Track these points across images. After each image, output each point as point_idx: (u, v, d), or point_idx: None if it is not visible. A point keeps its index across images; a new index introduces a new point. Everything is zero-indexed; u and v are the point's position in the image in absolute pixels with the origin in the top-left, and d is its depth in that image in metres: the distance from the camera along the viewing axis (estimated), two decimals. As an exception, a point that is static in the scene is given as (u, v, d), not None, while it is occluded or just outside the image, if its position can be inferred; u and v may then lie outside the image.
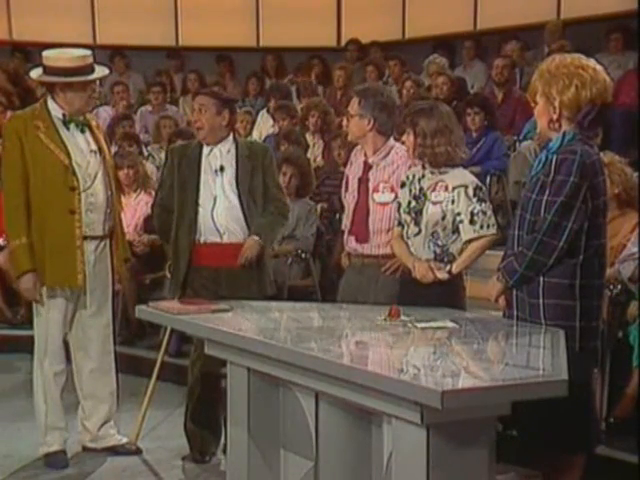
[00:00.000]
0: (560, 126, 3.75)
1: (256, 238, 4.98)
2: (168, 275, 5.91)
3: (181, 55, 12.52)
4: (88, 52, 5.00)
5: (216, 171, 5.02)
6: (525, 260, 3.70)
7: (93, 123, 5.09)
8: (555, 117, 3.74)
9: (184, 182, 5.02)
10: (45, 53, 4.95)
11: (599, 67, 3.78)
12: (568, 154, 3.66)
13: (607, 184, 3.87)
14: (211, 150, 5.05)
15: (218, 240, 4.99)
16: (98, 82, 5.08)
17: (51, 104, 4.92)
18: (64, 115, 4.91)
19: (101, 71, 5.04)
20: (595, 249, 3.73)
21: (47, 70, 4.92)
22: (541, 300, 3.71)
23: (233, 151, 5.07)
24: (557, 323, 3.66)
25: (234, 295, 4.69)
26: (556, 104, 3.72)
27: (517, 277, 3.75)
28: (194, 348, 5.02)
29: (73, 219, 4.85)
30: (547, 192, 3.66)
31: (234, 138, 5.13)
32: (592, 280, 3.72)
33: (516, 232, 3.81)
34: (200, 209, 4.98)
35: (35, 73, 5.01)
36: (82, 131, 4.97)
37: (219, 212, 4.98)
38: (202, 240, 5.00)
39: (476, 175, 4.84)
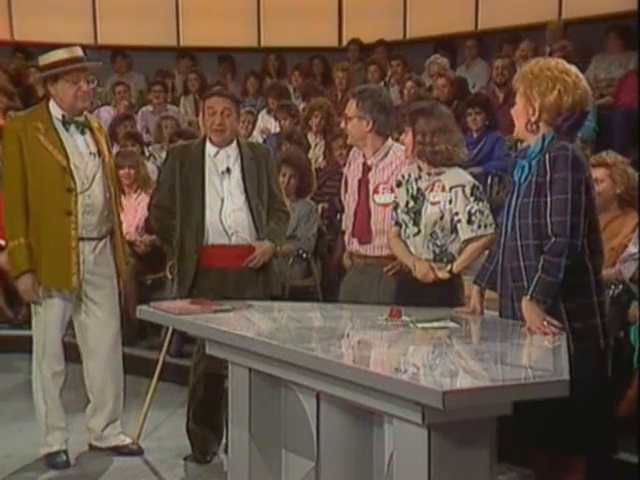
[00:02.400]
0: (537, 128, 3.72)
1: (272, 244, 5.03)
2: (169, 276, 5.91)
3: (183, 55, 12.52)
4: (77, 47, 5.03)
5: (222, 173, 5.02)
6: (561, 268, 3.55)
7: (95, 125, 5.10)
8: (534, 119, 3.72)
9: (188, 184, 5.01)
10: (40, 57, 5.02)
11: (580, 74, 3.76)
12: (561, 150, 3.62)
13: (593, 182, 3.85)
14: (217, 152, 5.04)
15: (226, 242, 4.99)
16: (96, 81, 5.10)
17: (52, 105, 4.94)
18: (63, 116, 4.92)
19: (92, 62, 5.08)
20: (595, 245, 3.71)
21: (42, 69, 4.99)
22: (562, 304, 3.64)
23: (237, 153, 5.06)
24: (577, 324, 3.62)
25: (241, 296, 4.70)
26: (536, 106, 3.69)
27: (556, 289, 3.59)
28: (197, 349, 5.02)
29: (69, 220, 4.86)
30: (550, 192, 3.61)
31: (237, 140, 5.13)
32: (587, 277, 3.70)
33: (518, 242, 3.70)
34: (207, 211, 4.97)
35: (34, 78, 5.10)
36: (82, 133, 4.98)
37: (227, 214, 4.98)
38: (209, 242, 4.99)
39: (477, 176, 4.84)
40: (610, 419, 3.84)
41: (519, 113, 3.79)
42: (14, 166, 4.87)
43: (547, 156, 3.63)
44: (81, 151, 4.95)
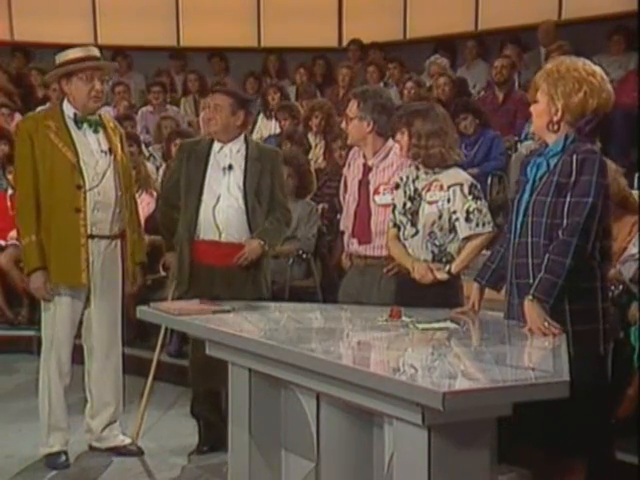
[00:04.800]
0: (559, 128, 3.69)
1: (261, 242, 4.99)
2: (162, 272, 5.95)
3: (183, 55, 12.52)
4: (93, 47, 5.11)
5: (224, 169, 5.02)
6: (565, 268, 3.53)
7: (110, 125, 5.13)
8: (556, 119, 3.67)
9: (190, 178, 5.03)
10: (57, 55, 5.04)
11: (605, 77, 3.71)
12: (588, 154, 3.59)
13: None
14: (221, 148, 5.05)
15: (216, 238, 5.00)
16: (108, 81, 5.13)
17: (65, 104, 4.98)
18: (75, 114, 4.95)
19: (107, 63, 5.11)
20: (605, 250, 3.70)
21: (57, 67, 5.00)
22: (567, 305, 3.63)
23: (243, 151, 5.06)
24: (580, 328, 3.62)
25: (228, 295, 4.69)
26: (559, 105, 3.65)
27: (557, 290, 3.56)
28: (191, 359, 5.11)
29: (78, 217, 4.88)
30: (570, 193, 3.57)
31: (245, 138, 5.13)
32: (595, 282, 3.70)
33: (528, 239, 3.68)
34: (202, 206, 4.98)
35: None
36: (95, 131, 5.00)
37: (221, 210, 4.98)
38: (200, 237, 5.00)
39: (475, 176, 4.84)
40: (607, 423, 3.83)
41: (541, 111, 3.73)
42: (25, 165, 4.91)
43: (574, 157, 3.59)
44: (92, 148, 4.97)
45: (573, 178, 3.58)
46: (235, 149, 5.06)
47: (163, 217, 5.29)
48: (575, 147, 3.64)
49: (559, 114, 3.67)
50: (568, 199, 3.58)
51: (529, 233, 3.69)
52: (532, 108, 3.80)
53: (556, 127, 3.69)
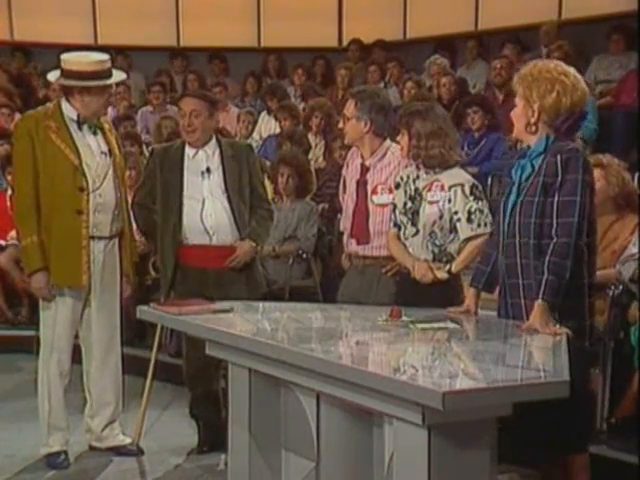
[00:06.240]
0: (537, 130, 3.75)
1: (253, 244, 5.04)
2: (152, 273, 5.98)
3: (183, 55, 12.52)
4: (106, 56, 5.03)
5: (202, 173, 5.04)
6: (568, 269, 3.57)
7: (106, 126, 5.12)
8: (533, 120, 3.73)
9: (167, 186, 5.05)
10: (64, 56, 4.97)
11: (579, 75, 3.78)
12: (572, 153, 3.64)
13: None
14: (196, 152, 5.06)
15: (207, 242, 5.02)
16: (114, 86, 5.12)
17: (65, 106, 4.95)
18: (78, 116, 4.93)
19: (118, 75, 5.09)
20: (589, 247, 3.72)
21: (65, 73, 4.93)
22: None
23: (218, 152, 5.09)
24: (568, 325, 3.62)
25: (223, 296, 4.69)
26: (535, 107, 3.71)
27: (562, 289, 3.60)
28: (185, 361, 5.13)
29: (80, 219, 4.87)
30: (558, 193, 3.61)
31: (217, 139, 5.15)
32: (583, 279, 3.71)
33: (516, 239, 3.71)
34: (186, 211, 4.99)
35: (53, 76, 5.05)
36: (94, 133, 5.00)
37: (208, 214, 5.00)
38: (189, 242, 5.02)
39: (475, 175, 4.85)
40: (588, 417, 3.86)
41: (519, 114, 3.81)
42: (25, 164, 4.89)
43: (559, 157, 3.64)
44: (93, 150, 4.97)
45: (559, 178, 3.63)
46: (210, 152, 5.08)
47: (144, 222, 5.26)
48: (558, 147, 3.69)
49: (536, 115, 3.73)
50: (556, 199, 3.63)
51: (517, 234, 3.73)
52: (512, 114, 3.87)
53: (534, 128, 3.76)
